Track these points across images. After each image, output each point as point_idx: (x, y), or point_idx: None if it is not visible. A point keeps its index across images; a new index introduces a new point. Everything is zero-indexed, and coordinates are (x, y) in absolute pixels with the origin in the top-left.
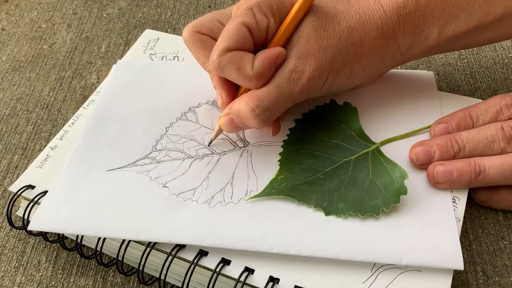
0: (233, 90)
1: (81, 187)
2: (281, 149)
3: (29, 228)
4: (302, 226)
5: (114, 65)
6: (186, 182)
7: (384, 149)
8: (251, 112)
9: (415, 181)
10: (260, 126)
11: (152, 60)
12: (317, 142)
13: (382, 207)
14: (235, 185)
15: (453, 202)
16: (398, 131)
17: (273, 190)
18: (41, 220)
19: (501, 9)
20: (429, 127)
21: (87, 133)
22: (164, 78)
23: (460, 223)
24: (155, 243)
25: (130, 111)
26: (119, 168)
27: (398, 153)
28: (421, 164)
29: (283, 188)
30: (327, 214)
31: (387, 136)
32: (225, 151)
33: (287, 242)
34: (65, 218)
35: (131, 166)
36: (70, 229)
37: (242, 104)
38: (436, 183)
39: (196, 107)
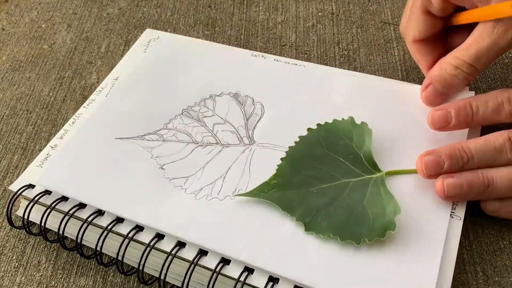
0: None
1: (87, 151)
2: (284, 155)
3: (37, 182)
4: (277, 239)
5: (147, 30)
6: (183, 168)
7: (389, 179)
8: (455, 70)
9: (409, 215)
10: (465, 82)
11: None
12: (322, 156)
13: (364, 237)
14: (227, 180)
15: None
16: (410, 164)
17: (262, 193)
18: (47, 178)
19: None
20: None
21: (109, 99)
22: (198, 62)
23: (461, 222)
24: (155, 242)
25: (156, 87)
26: (127, 138)
27: (401, 187)
28: (430, 175)
29: (272, 193)
30: (306, 229)
31: (397, 167)
32: (229, 144)
33: (254, 252)
34: (66, 180)
35: (139, 139)
36: (68, 192)
37: (444, 66)
38: (446, 197)
39: (217, 95)
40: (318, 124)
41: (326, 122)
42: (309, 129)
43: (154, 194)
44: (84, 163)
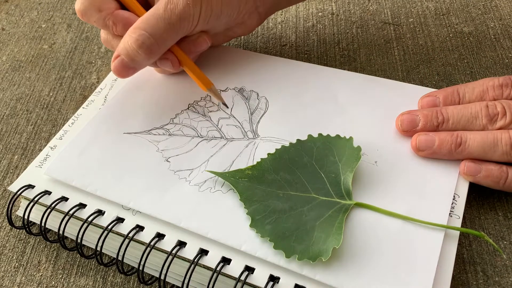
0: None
1: (96, 144)
2: (279, 148)
3: (45, 172)
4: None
5: None
6: (187, 160)
7: (354, 210)
8: (136, 42)
9: (409, 214)
10: (147, 55)
11: None
12: (307, 165)
13: (296, 254)
14: None
15: (452, 199)
16: (387, 205)
17: (231, 178)
18: (55, 167)
19: None
20: (416, 220)
21: (119, 95)
22: (204, 57)
23: (460, 221)
24: (155, 242)
25: (163, 82)
26: (134, 133)
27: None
28: (405, 131)
29: (241, 181)
30: (251, 225)
31: (369, 201)
32: (233, 138)
33: (255, 243)
34: (74, 171)
35: (146, 133)
36: (75, 182)
37: (126, 38)
38: (418, 150)
39: (223, 90)
40: (319, 134)
41: (328, 135)
42: (309, 136)
43: (159, 185)
44: (92, 156)
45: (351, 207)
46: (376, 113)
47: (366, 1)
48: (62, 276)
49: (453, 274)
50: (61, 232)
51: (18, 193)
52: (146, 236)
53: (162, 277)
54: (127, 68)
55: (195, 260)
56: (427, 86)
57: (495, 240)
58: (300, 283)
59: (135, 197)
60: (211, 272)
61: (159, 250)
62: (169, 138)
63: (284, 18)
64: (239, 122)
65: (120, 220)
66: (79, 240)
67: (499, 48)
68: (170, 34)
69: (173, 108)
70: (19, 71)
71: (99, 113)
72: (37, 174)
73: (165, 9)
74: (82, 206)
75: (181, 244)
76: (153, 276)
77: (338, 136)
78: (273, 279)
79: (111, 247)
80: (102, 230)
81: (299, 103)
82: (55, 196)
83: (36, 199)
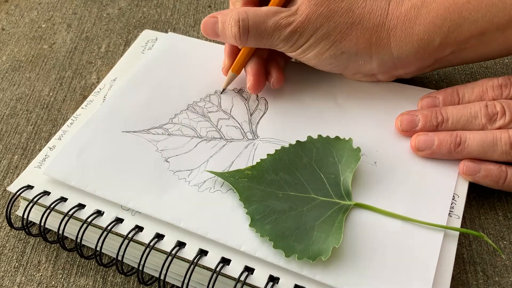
0: (234, 56)
1: (95, 143)
2: (279, 149)
3: (44, 172)
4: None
5: (167, 34)
6: (187, 161)
7: (354, 211)
8: (236, 21)
9: (409, 212)
10: (234, 37)
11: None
12: (306, 166)
13: (296, 253)
14: None
15: (452, 199)
16: (387, 205)
17: (231, 178)
18: (54, 167)
19: (505, 19)
20: (415, 221)
21: (118, 93)
22: (203, 59)
23: (459, 221)
24: (155, 243)
25: (163, 82)
26: (133, 131)
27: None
28: (404, 131)
29: (240, 181)
30: (250, 225)
31: (369, 202)
32: (233, 139)
33: (255, 243)
34: (73, 171)
35: (145, 132)
36: (74, 182)
37: (234, 12)
38: (418, 150)
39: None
40: (319, 135)
41: (327, 136)
42: (308, 137)
43: (158, 185)
44: (91, 155)
45: (351, 207)
46: (376, 113)
47: None
48: (62, 276)
49: (453, 274)
50: (60, 232)
51: (17, 194)
52: (145, 236)
53: (162, 277)
54: (213, 33)
55: (195, 261)
56: (427, 86)
57: (495, 240)
58: (299, 283)
59: (135, 197)
60: (211, 272)
61: (158, 251)
62: (168, 138)
63: None
64: (239, 123)
65: (119, 220)
66: (78, 241)
67: None
68: (263, 38)
69: (172, 108)
70: (19, 71)
71: (97, 112)
72: (36, 175)
73: (276, 22)
74: (81, 206)
75: (181, 245)
76: (153, 276)
77: (337, 137)
78: (273, 279)
79: (110, 247)
80: (101, 231)
81: (299, 104)
82: (54, 196)
83: (35, 200)
